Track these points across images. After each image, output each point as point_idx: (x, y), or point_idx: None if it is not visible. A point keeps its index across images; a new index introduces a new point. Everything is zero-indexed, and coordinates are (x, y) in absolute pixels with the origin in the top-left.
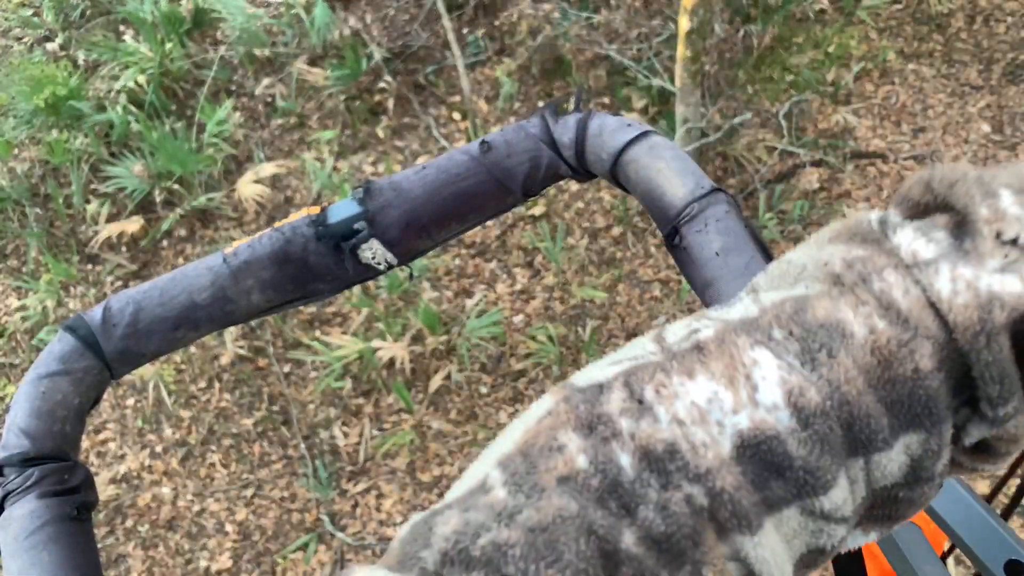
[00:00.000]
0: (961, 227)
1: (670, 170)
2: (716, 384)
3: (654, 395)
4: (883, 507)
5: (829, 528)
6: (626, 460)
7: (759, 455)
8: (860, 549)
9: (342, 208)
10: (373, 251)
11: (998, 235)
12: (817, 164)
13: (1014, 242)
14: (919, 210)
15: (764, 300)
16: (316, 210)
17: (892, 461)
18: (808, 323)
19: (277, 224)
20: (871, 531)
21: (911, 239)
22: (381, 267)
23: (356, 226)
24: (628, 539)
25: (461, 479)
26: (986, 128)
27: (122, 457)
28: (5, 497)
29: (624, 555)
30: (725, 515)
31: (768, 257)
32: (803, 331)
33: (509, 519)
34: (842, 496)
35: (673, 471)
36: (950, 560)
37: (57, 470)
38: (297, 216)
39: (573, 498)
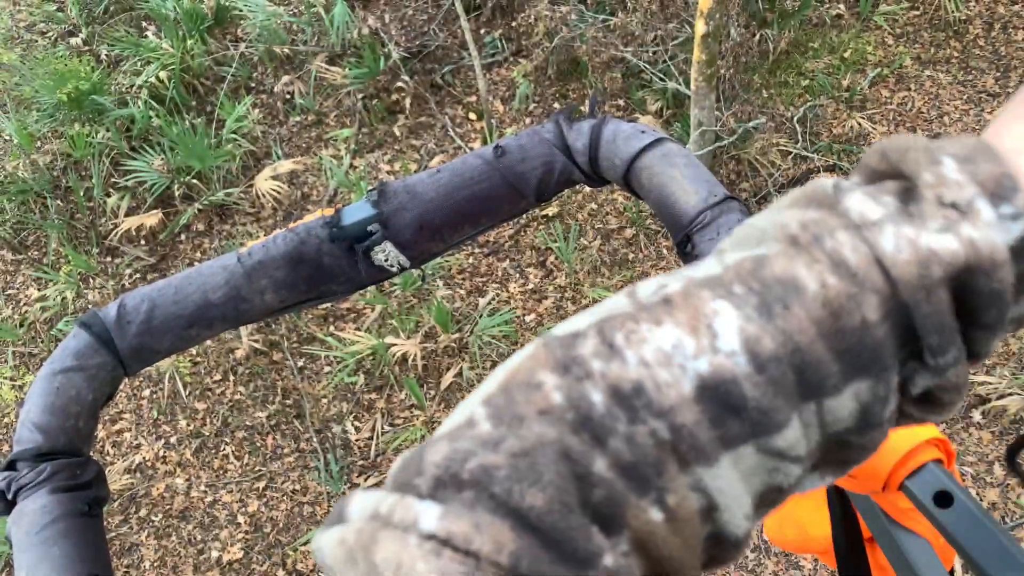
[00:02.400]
0: (908, 192)
1: (683, 177)
2: (680, 331)
3: (624, 340)
4: (836, 451)
5: (784, 467)
6: (597, 397)
7: (717, 396)
8: (867, 561)
9: (356, 210)
10: (386, 253)
11: (939, 198)
12: (831, 169)
13: (953, 205)
14: (875, 177)
15: (727, 259)
16: (330, 212)
17: (842, 406)
18: (766, 278)
19: (292, 225)
20: (827, 475)
21: (861, 202)
22: (394, 269)
23: (370, 228)
24: (600, 465)
25: (449, 418)
26: None
27: (137, 447)
28: (18, 492)
29: (596, 478)
30: (685, 448)
31: None
32: (761, 286)
33: (494, 446)
34: (795, 436)
35: (639, 407)
36: (958, 573)
37: (69, 466)
38: (311, 217)
39: (552, 426)
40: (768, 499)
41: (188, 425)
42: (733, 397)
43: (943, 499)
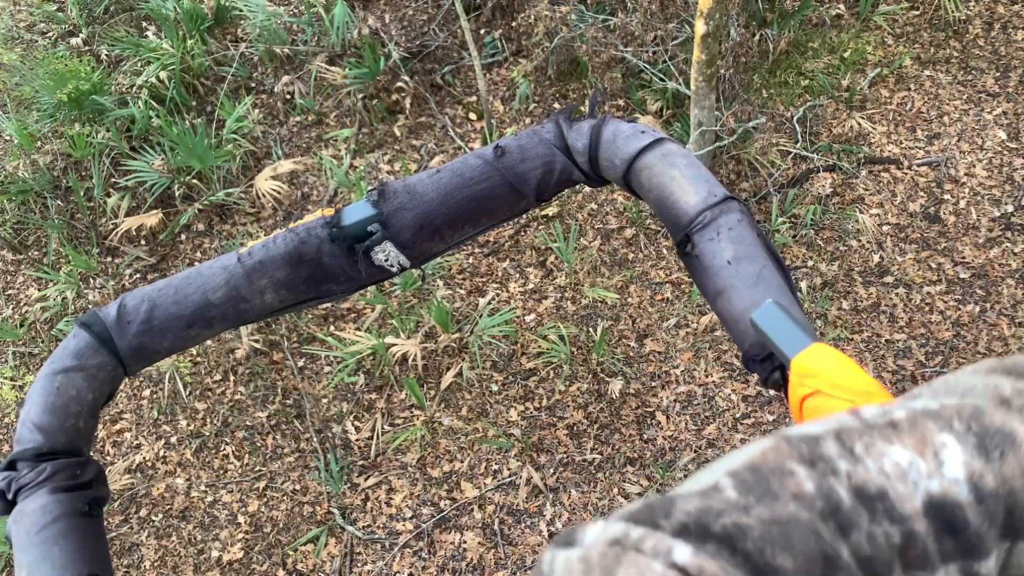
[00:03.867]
0: None
1: (683, 178)
2: (911, 453)
3: (863, 450)
4: None
5: None
6: (844, 493)
7: (943, 515)
8: None
9: (356, 210)
10: (386, 253)
11: None
12: (830, 169)
13: None
14: None
15: (943, 400)
16: (331, 212)
17: None
18: (986, 425)
19: (292, 225)
20: None
21: None
22: (394, 269)
23: (370, 228)
24: (845, 552)
25: (686, 482)
26: (1002, 135)
27: (137, 447)
28: (18, 491)
29: (843, 563)
30: (913, 554)
31: (780, 266)
32: (981, 430)
33: (746, 511)
34: (991, 567)
35: (880, 510)
36: None
37: (69, 465)
38: (312, 217)
39: (804, 510)
40: None
41: (188, 425)
42: (957, 520)
43: None
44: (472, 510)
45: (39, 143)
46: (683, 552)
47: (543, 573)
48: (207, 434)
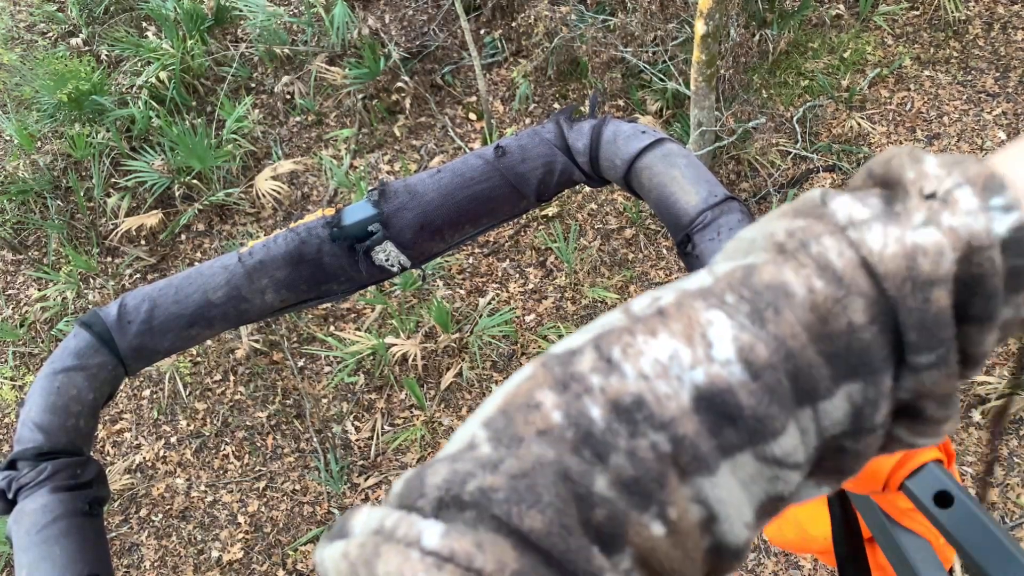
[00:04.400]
0: (893, 194)
1: (684, 178)
2: (676, 342)
3: (621, 354)
4: (832, 458)
5: (783, 474)
6: (597, 412)
7: (714, 405)
8: (867, 561)
9: (357, 210)
10: (387, 253)
11: (921, 192)
12: (830, 169)
13: (933, 195)
14: (863, 188)
15: (717, 270)
16: (331, 211)
17: (836, 409)
18: (755, 286)
19: (292, 225)
20: (823, 484)
21: (847, 205)
22: (394, 269)
23: (370, 228)
24: (600, 483)
25: (450, 440)
26: (1002, 135)
27: (137, 447)
28: (18, 491)
29: (597, 497)
30: (686, 459)
31: None
32: (752, 293)
33: (493, 468)
34: (792, 443)
35: (640, 420)
36: (957, 573)
37: (70, 465)
38: (312, 217)
39: (551, 447)
40: (768, 508)
41: (188, 425)
42: (730, 406)
43: (943, 499)
44: None
45: (39, 143)
46: (432, 535)
47: (320, 573)
48: (207, 434)
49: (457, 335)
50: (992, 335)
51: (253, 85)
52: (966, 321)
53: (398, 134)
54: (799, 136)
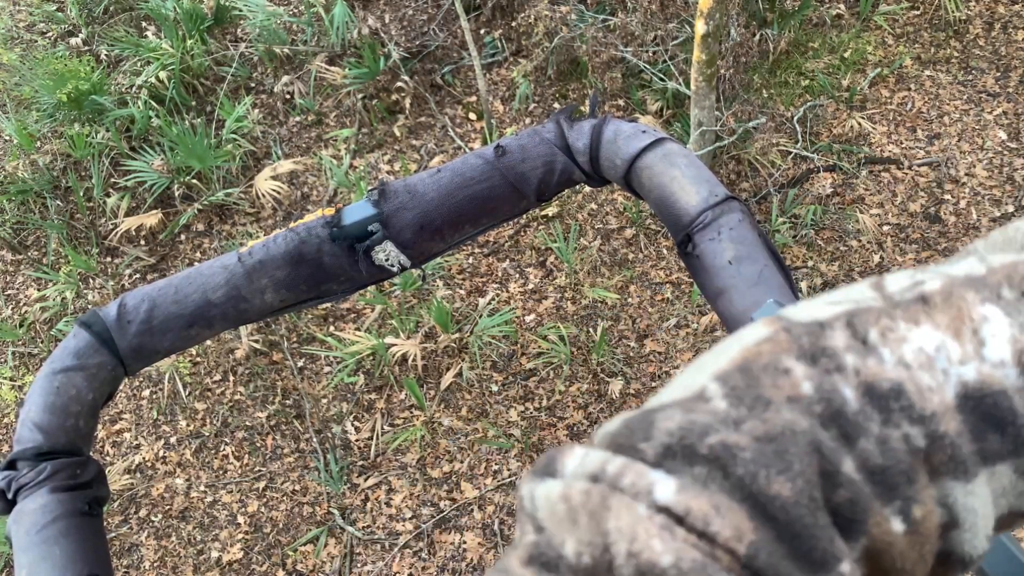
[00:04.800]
0: None
1: (684, 178)
2: (943, 334)
3: (879, 337)
4: None
5: None
6: (849, 393)
7: (982, 407)
8: None
9: (357, 210)
10: (387, 253)
11: None
12: (831, 169)
13: None
14: None
15: (992, 261)
16: (331, 211)
17: None
18: None
19: (292, 224)
20: None
21: None
22: (394, 269)
23: (370, 228)
24: (848, 465)
25: (671, 386)
26: (1002, 135)
27: (137, 447)
28: (18, 491)
29: (844, 478)
30: (941, 459)
31: (781, 266)
32: None
33: (736, 425)
34: None
35: (895, 409)
36: None
37: (70, 465)
38: (312, 217)
39: (803, 416)
40: (1006, 522)
41: (188, 425)
42: (1001, 410)
43: None
44: (472, 510)
45: (39, 143)
46: (666, 489)
47: (526, 510)
48: (207, 434)
49: (457, 335)
50: None
51: (253, 85)
52: None
53: (398, 134)
54: (799, 136)
